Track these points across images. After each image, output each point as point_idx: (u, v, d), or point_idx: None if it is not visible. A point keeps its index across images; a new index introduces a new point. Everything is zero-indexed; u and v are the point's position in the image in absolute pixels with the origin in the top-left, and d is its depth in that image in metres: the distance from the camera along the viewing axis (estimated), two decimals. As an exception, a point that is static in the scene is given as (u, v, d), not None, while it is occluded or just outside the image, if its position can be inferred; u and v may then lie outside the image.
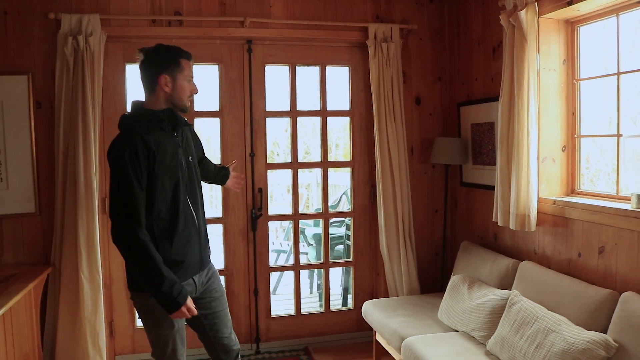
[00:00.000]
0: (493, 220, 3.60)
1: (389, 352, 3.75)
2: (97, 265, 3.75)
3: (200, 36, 4.04)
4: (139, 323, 4.13)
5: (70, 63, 3.72)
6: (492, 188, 3.65)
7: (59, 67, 3.74)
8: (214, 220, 4.29)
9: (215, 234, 6.71)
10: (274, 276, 5.37)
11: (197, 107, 4.23)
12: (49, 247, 3.84)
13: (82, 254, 3.70)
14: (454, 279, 3.72)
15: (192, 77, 2.63)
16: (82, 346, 3.73)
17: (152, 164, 2.45)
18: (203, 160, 3.07)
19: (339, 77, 4.67)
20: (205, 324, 2.81)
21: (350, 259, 4.65)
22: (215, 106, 4.25)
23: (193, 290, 2.67)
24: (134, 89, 4.23)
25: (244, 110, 4.23)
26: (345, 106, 4.51)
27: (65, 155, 3.75)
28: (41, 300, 3.75)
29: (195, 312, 2.52)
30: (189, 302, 2.48)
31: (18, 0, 3.79)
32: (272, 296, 4.55)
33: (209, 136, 6.36)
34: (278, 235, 7.30)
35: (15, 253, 3.84)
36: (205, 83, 4.76)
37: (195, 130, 3.02)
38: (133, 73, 4.21)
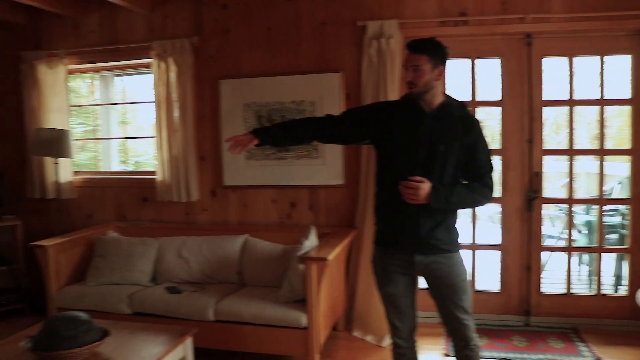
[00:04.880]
0: None
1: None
2: (391, 230, 4.40)
3: (482, 33, 4.44)
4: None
5: (374, 61, 4.43)
6: None
7: (365, 65, 4.49)
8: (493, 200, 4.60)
9: (492, 213, 6.94)
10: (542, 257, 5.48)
11: (480, 97, 4.67)
12: (353, 213, 4.63)
13: (381, 220, 4.38)
14: None
15: (406, 65, 2.73)
16: (377, 299, 4.37)
17: (379, 125, 2.80)
18: (474, 178, 2.83)
19: (616, 66, 4.68)
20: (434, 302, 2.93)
21: (627, 246, 4.62)
22: (497, 96, 4.59)
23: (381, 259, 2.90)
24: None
25: (522, 100, 4.51)
26: (625, 94, 4.47)
27: (369, 137, 4.49)
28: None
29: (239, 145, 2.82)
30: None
31: (334, 13, 4.65)
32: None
33: (491, 124, 6.74)
34: (544, 223, 7.37)
35: (327, 216, 4.73)
36: (488, 75, 5.20)
37: (481, 143, 2.79)
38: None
